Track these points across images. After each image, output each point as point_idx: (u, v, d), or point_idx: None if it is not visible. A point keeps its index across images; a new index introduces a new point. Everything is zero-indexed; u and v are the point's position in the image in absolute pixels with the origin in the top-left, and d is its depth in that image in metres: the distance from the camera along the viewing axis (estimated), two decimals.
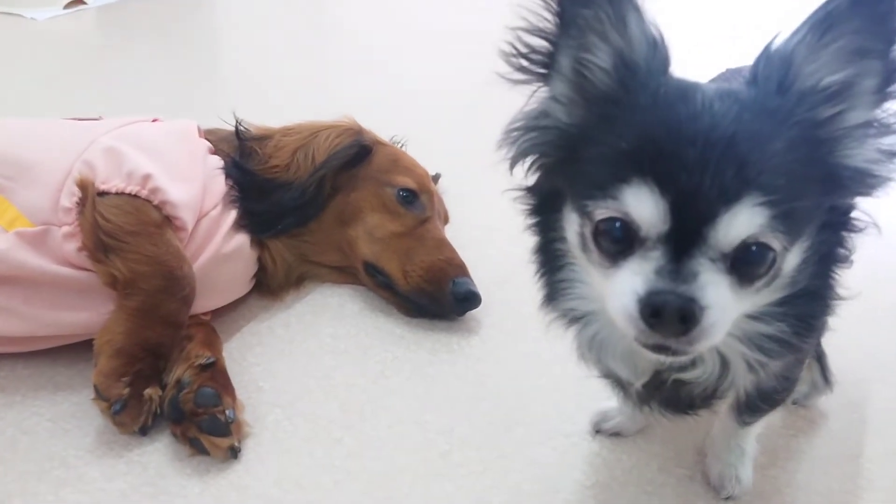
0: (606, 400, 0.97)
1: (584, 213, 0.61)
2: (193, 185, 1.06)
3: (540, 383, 1.06)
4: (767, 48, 0.62)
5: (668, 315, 0.57)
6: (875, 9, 0.59)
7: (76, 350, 1.03)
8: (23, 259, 0.95)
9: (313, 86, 2.24)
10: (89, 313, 0.98)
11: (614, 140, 0.60)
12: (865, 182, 0.63)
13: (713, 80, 0.89)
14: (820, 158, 0.61)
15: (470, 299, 1.18)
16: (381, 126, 1.37)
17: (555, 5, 0.62)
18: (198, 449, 0.91)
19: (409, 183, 1.24)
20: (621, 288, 0.59)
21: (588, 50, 0.62)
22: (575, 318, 0.72)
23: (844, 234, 0.69)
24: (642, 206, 0.57)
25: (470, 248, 1.28)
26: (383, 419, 0.99)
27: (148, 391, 0.91)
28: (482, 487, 0.89)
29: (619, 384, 0.78)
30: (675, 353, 0.60)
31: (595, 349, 0.72)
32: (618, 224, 0.59)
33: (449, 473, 0.91)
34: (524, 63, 0.64)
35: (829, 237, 0.67)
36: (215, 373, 0.95)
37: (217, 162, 1.15)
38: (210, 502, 0.86)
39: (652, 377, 0.72)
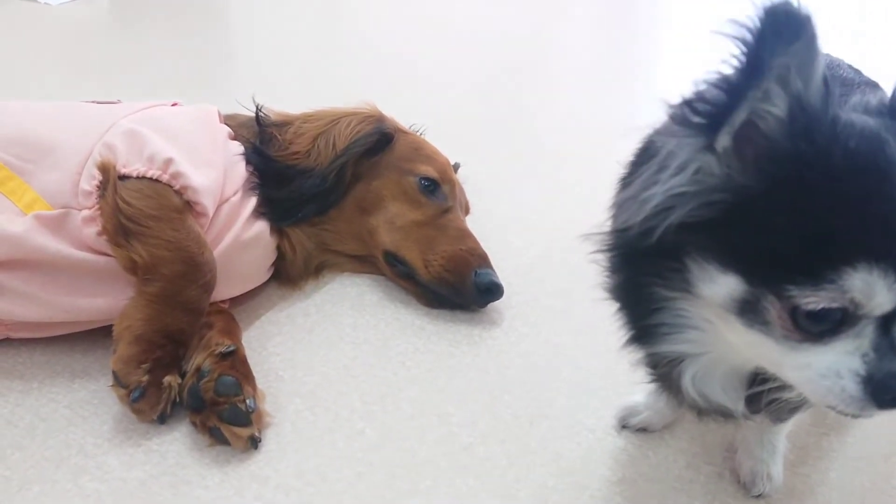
0: (632, 394, 0.95)
1: (775, 294, 0.56)
2: (214, 171, 1.05)
3: (564, 376, 1.04)
4: None
5: None
6: None
7: (94, 337, 1.02)
8: (41, 243, 0.94)
9: (330, 71, 2.21)
10: (108, 299, 0.96)
11: (818, 212, 0.54)
12: None
13: None
14: None
15: (493, 290, 1.16)
16: (400, 114, 1.35)
17: (750, 53, 0.53)
18: (217, 439, 0.89)
19: (430, 172, 1.22)
20: (833, 368, 0.57)
21: (768, 100, 0.54)
22: (671, 359, 0.69)
23: None
24: (876, 292, 0.53)
25: (491, 239, 1.26)
26: (405, 410, 0.97)
27: (167, 379, 0.89)
28: (507, 482, 0.88)
29: (719, 412, 0.74)
30: None
31: (697, 387, 0.69)
32: (838, 312, 0.55)
33: (473, 467, 0.89)
34: (689, 115, 0.56)
35: None
36: (236, 361, 0.94)
37: (237, 147, 1.13)
38: (230, 493, 0.84)
39: (747, 399, 0.70)
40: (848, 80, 0.81)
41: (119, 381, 0.88)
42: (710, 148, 0.55)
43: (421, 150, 1.25)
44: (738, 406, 0.71)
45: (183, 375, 0.92)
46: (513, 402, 0.99)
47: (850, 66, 0.90)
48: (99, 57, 2.28)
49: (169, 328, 0.91)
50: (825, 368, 0.57)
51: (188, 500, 0.83)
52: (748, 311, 0.58)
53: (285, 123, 1.19)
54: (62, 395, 0.96)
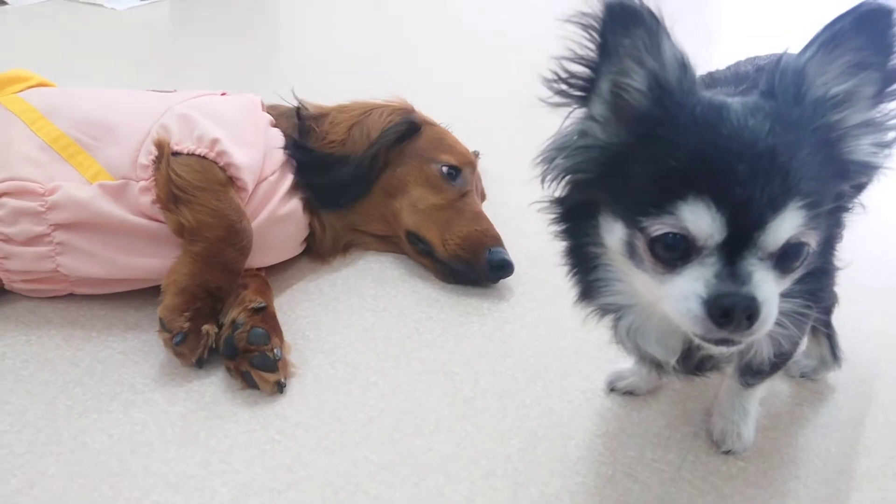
0: (622, 362, 1.04)
1: (638, 228, 0.66)
2: (255, 152, 1.18)
3: (562, 345, 1.13)
4: (779, 63, 0.69)
5: (737, 315, 0.64)
6: (874, 28, 0.66)
7: (145, 296, 1.16)
8: (104, 208, 1.08)
9: (368, 66, 2.36)
10: (158, 260, 1.10)
11: (662, 159, 0.65)
12: (866, 171, 0.72)
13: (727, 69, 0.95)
14: (833, 157, 0.69)
15: (504, 267, 1.26)
16: (430, 107, 1.46)
17: (597, 36, 0.66)
18: (248, 382, 1.01)
19: (451, 160, 1.34)
20: (683, 292, 0.65)
21: (626, 74, 0.66)
22: (611, 311, 0.80)
23: (841, 215, 0.76)
24: (701, 221, 0.63)
25: (506, 224, 1.36)
26: (415, 368, 1.08)
27: (206, 327, 1.02)
28: (501, 430, 0.98)
29: (654, 363, 0.84)
30: (735, 344, 0.68)
31: (632, 337, 0.79)
32: (676, 237, 0.64)
33: (471, 417, 1.00)
34: (565, 88, 0.69)
35: (832, 221, 0.74)
36: (266, 316, 1.06)
37: (277, 134, 1.26)
38: (256, 428, 0.97)
39: (682, 354, 0.79)
40: (744, 74, 0.90)
41: (164, 327, 1.01)
42: (591, 116, 0.69)
43: (443, 140, 1.37)
44: (671, 359, 0.79)
45: (220, 327, 1.05)
46: (512, 366, 1.10)
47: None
48: (160, 56, 2.46)
49: (209, 283, 1.04)
50: (678, 293, 0.66)
51: (221, 433, 0.96)
52: (631, 251, 0.69)
53: (322, 115, 1.32)
54: (117, 343, 1.10)
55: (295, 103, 1.35)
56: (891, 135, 0.70)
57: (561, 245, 0.81)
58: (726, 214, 0.62)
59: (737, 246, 0.64)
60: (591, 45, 0.66)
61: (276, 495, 0.87)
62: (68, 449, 0.91)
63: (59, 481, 0.87)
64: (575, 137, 0.70)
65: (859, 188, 0.78)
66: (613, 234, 0.70)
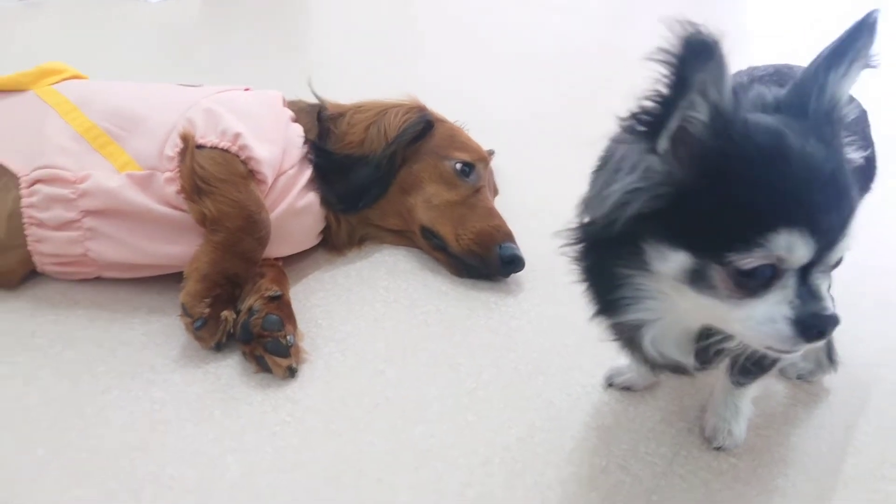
0: (620, 358, 1.08)
1: (719, 262, 0.68)
2: (275, 147, 1.23)
3: (565, 341, 1.17)
4: (811, 82, 0.71)
5: (829, 328, 0.70)
6: (871, 33, 0.71)
7: (167, 281, 1.21)
8: (131, 197, 1.14)
9: (390, 65, 2.40)
10: (181, 247, 1.15)
11: (743, 195, 0.67)
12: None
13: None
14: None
15: (515, 262, 1.30)
16: (451, 105, 1.51)
17: (676, 73, 0.64)
18: (262, 366, 1.07)
19: (465, 156, 1.38)
20: (770, 316, 0.70)
21: (693, 108, 0.66)
22: (633, 326, 0.83)
23: None
24: (797, 250, 0.66)
25: (519, 220, 1.40)
26: (421, 358, 1.13)
27: (224, 313, 1.07)
28: (501, 421, 1.02)
29: (674, 368, 0.88)
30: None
31: (656, 347, 0.83)
32: (768, 268, 0.68)
33: (473, 407, 1.04)
34: (638, 126, 0.68)
35: None
36: (281, 304, 1.11)
37: (297, 130, 1.31)
38: (268, 409, 1.02)
39: (696, 354, 0.83)
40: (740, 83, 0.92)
41: (186, 312, 1.07)
42: (653, 150, 0.68)
43: (456, 138, 1.41)
44: (689, 360, 0.84)
45: (237, 313, 1.10)
46: (516, 359, 1.13)
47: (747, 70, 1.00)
48: (190, 49, 2.53)
49: (228, 271, 1.10)
50: (762, 317, 0.70)
51: (235, 413, 1.01)
52: (697, 279, 0.71)
53: (339, 115, 1.36)
54: (140, 325, 1.15)
55: (315, 100, 1.40)
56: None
57: (575, 263, 0.83)
58: (815, 240, 0.67)
59: (810, 266, 0.69)
60: (669, 82, 0.64)
61: (283, 474, 0.92)
62: (91, 424, 0.97)
63: (82, 453, 0.92)
64: (640, 173, 0.69)
65: None
66: (670, 262, 0.71)
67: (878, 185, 0.99)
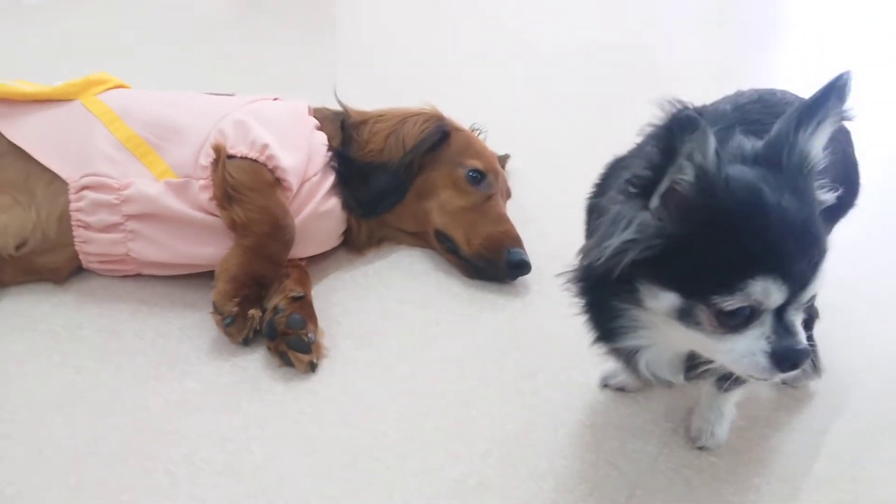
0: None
1: (705, 303, 0.77)
2: (300, 156, 1.32)
3: (565, 342, 1.24)
4: (783, 139, 0.80)
5: (801, 361, 0.79)
6: (841, 94, 0.79)
7: (200, 278, 1.31)
8: (169, 203, 1.24)
9: (417, 70, 2.48)
10: (213, 248, 1.26)
11: (724, 245, 0.76)
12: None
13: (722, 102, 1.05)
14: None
15: (521, 266, 1.39)
16: (470, 111, 1.59)
17: (665, 144, 0.73)
18: (285, 361, 1.17)
19: (478, 165, 1.46)
20: (749, 350, 0.79)
21: (681, 171, 0.75)
22: (629, 352, 0.92)
23: None
24: (772, 294, 0.76)
25: (529, 224, 1.49)
26: (431, 356, 1.22)
27: (251, 311, 1.18)
28: (499, 415, 1.11)
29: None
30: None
31: (650, 370, 0.92)
32: (747, 309, 0.77)
33: (475, 402, 1.13)
34: (634, 190, 0.77)
35: None
36: (304, 304, 1.21)
37: (321, 138, 1.40)
38: (289, 400, 1.12)
39: (686, 369, 0.92)
40: (722, 113, 0.99)
41: (217, 309, 1.17)
42: (645, 207, 0.78)
43: (471, 146, 1.49)
44: (679, 379, 0.93)
45: (263, 311, 1.21)
46: (518, 358, 1.22)
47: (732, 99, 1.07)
48: (223, 49, 2.63)
49: (256, 273, 1.20)
50: (743, 350, 0.80)
51: (260, 402, 1.11)
52: (684, 316, 0.81)
53: (362, 123, 1.45)
54: (175, 319, 1.26)
55: (339, 107, 1.49)
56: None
57: (579, 299, 0.93)
58: (788, 285, 0.76)
59: (785, 305, 0.78)
60: (659, 152, 0.74)
61: (302, 458, 1.02)
62: (132, 409, 1.08)
63: (125, 436, 1.04)
64: (635, 229, 0.78)
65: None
66: (661, 301, 0.80)
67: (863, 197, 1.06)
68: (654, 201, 0.77)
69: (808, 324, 1.12)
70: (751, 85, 1.09)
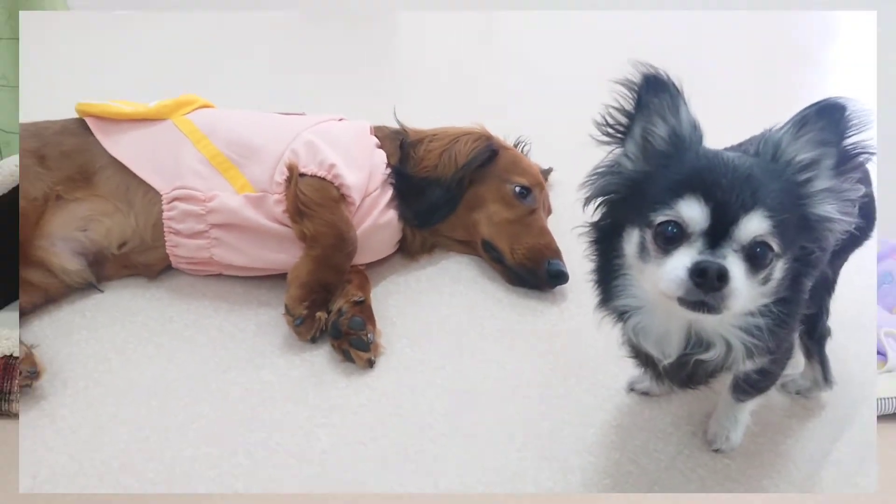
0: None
1: (647, 223, 0.88)
2: (363, 173, 1.47)
3: (596, 348, 1.37)
4: (763, 135, 0.94)
5: (710, 274, 0.83)
6: (831, 116, 0.89)
7: (275, 279, 1.48)
8: (248, 215, 1.41)
9: (473, 90, 2.61)
10: (286, 255, 1.42)
11: (670, 175, 0.90)
12: (826, 227, 0.93)
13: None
14: (798, 205, 0.91)
15: (560, 276, 1.52)
16: (519, 125, 1.73)
17: (635, 93, 0.91)
18: (347, 358, 1.32)
19: (524, 181, 1.59)
20: (674, 265, 0.85)
21: (652, 124, 0.92)
22: (623, 312, 1.02)
23: (808, 261, 0.96)
24: (691, 210, 0.85)
25: (568, 237, 1.59)
26: (476, 356, 1.36)
27: (319, 314, 1.33)
28: (535, 413, 1.25)
29: (651, 363, 1.06)
30: (710, 309, 0.85)
31: (636, 334, 1.01)
32: (672, 224, 0.87)
33: (513, 400, 1.27)
34: (609, 130, 0.95)
35: (799, 266, 0.95)
36: (364, 308, 1.37)
37: (382, 156, 1.55)
38: (349, 393, 1.27)
39: (677, 358, 1.01)
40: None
41: (289, 312, 1.34)
42: (625, 153, 0.94)
43: (518, 164, 1.62)
44: (665, 360, 0.99)
45: (329, 313, 1.36)
46: (553, 361, 1.36)
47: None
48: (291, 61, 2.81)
49: (322, 280, 1.36)
50: (670, 267, 0.87)
51: (324, 394, 1.27)
52: (642, 249, 0.91)
53: (418, 141, 1.60)
54: (252, 316, 1.43)
55: (398, 126, 1.64)
56: (849, 203, 0.92)
57: (591, 264, 1.04)
58: (709, 207, 0.86)
59: (717, 238, 0.86)
60: (630, 101, 0.92)
61: (361, 446, 1.18)
62: (216, 397, 1.25)
63: (211, 421, 1.20)
64: (610, 166, 0.95)
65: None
66: (632, 241, 0.92)
67: None
68: (630, 145, 0.94)
69: (820, 341, 1.23)
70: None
